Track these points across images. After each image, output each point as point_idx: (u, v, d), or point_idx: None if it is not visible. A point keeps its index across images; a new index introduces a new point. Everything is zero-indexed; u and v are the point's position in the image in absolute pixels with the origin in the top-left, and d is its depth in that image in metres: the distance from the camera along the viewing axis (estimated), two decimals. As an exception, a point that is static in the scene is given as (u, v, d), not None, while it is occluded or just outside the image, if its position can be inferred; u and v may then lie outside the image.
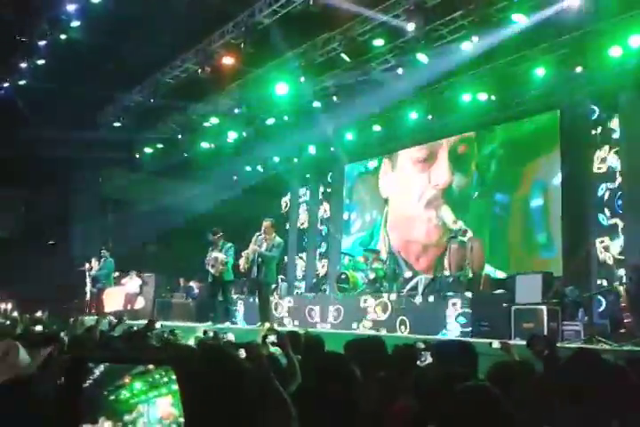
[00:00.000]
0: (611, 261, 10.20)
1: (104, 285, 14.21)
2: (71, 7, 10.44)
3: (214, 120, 14.35)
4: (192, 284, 15.51)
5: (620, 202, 10.30)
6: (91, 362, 1.89)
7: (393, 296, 9.74)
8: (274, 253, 9.87)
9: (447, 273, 10.51)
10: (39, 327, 7.48)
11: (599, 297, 9.53)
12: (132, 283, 14.76)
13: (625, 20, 9.21)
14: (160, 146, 16.20)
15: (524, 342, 4.43)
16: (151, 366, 1.96)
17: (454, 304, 8.71)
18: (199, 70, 11.97)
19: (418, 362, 4.01)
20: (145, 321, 7.94)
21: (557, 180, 11.31)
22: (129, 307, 14.37)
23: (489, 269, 10.94)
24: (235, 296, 12.73)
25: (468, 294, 8.75)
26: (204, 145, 15.42)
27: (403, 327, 9.20)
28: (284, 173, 16.47)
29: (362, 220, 15.30)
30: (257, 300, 10.51)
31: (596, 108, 10.82)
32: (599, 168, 10.65)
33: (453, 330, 8.54)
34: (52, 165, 15.12)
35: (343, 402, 2.64)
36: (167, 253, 16.85)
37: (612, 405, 2.39)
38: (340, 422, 2.71)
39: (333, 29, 10.91)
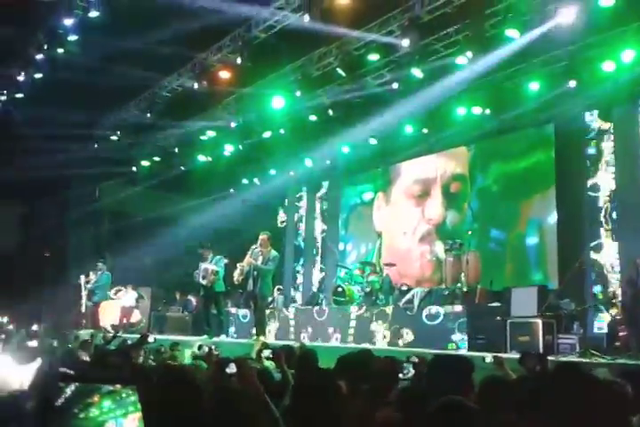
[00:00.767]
0: (605, 273, 10.23)
1: (100, 298, 14.18)
2: (69, 21, 10.49)
3: (211, 133, 14.40)
4: (190, 297, 15.42)
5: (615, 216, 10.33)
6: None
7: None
8: (269, 266, 9.91)
9: (443, 286, 10.52)
10: (34, 342, 7.44)
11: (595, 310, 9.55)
12: (127, 296, 14.72)
13: (617, 35, 9.30)
14: (157, 159, 16.23)
15: (518, 356, 4.45)
16: (118, 386, 2.04)
17: (451, 317, 8.74)
18: (196, 84, 12.06)
19: (400, 375, 4.01)
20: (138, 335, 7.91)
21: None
22: (125, 320, 14.32)
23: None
24: (233, 310, 12.77)
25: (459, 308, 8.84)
26: (201, 158, 15.44)
27: (400, 341, 9.24)
28: (280, 186, 16.47)
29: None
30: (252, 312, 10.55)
31: (590, 122, 10.88)
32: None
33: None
34: (50, 178, 15.12)
35: (324, 417, 2.65)
36: (164, 267, 16.80)
37: (597, 418, 2.40)
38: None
39: (330, 44, 11.01)
